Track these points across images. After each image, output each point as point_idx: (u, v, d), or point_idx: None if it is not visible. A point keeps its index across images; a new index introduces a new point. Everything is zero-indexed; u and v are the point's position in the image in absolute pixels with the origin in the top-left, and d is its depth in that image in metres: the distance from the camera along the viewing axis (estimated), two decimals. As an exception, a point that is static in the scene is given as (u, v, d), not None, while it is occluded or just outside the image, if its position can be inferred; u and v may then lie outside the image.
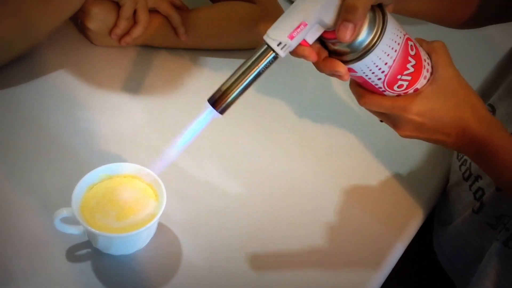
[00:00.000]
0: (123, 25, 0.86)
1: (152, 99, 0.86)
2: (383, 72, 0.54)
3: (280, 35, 0.50)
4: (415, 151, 0.86)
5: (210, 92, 0.85)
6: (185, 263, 0.65)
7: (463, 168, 0.76)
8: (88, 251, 0.64)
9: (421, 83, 0.57)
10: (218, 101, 0.52)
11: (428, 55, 0.58)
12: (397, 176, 0.82)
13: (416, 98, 0.57)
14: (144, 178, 0.65)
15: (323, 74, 0.96)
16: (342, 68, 0.53)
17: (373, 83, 0.56)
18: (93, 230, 0.59)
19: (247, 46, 0.94)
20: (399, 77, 0.55)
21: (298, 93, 0.94)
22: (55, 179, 0.70)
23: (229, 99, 0.52)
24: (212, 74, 0.92)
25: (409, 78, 0.56)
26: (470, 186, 0.75)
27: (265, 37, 0.51)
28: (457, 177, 0.78)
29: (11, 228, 0.65)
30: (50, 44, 0.87)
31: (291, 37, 0.49)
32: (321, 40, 0.53)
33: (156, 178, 0.64)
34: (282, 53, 0.51)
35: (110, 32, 0.87)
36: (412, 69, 0.55)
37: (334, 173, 0.81)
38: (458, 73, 0.59)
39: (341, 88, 0.96)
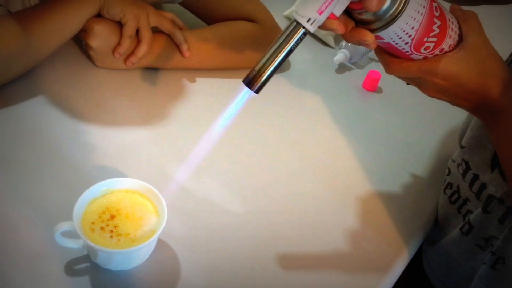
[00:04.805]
0: (126, 43, 0.86)
1: (154, 115, 0.87)
2: (410, 36, 0.55)
3: (309, 11, 0.50)
4: (419, 168, 0.88)
5: (210, 110, 0.87)
6: (183, 280, 0.65)
7: (448, 192, 0.77)
8: (87, 266, 0.64)
9: (446, 43, 0.58)
10: (253, 81, 0.53)
11: (459, 22, 0.59)
12: (400, 191, 0.83)
13: (443, 62, 0.58)
14: (145, 193, 0.65)
15: (324, 92, 0.99)
16: (369, 37, 0.53)
17: (400, 48, 0.57)
18: (93, 244, 0.59)
19: (249, 65, 0.95)
20: (425, 39, 0.56)
21: (298, 111, 0.95)
22: (57, 192, 0.70)
23: (263, 78, 0.53)
24: (212, 92, 0.93)
25: (435, 39, 0.56)
26: (459, 209, 0.75)
27: (293, 14, 0.51)
28: (443, 200, 0.79)
29: (11, 240, 0.64)
30: (55, 63, 0.88)
31: (320, 12, 0.50)
32: (347, 11, 0.53)
33: (157, 194, 0.64)
34: (312, 28, 0.52)
35: (113, 51, 0.86)
36: (437, 30, 0.56)
37: (335, 190, 0.81)
38: (488, 41, 0.59)
39: (341, 106, 0.97)
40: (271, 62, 0.53)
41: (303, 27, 0.51)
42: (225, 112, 0.56)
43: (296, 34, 0.52)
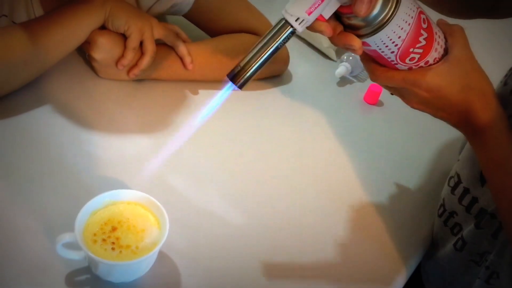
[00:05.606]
0: (130, 55, 0.86)
1: (156, 126, 0.87)
2: (396, 45, 0.55)
3: (299, 11, 0.51)
4: (419, 182, 0.88)
5: (212, 121, 0.87)
6: (184, 293, 0.65)
7: (437, 206, 0.77)
8: (87, 277, 0.64)
9: (431, 56, 0.58)
10: (237, 76, 0.54)
11: (445, 36, 0.59)
12: (400, 205, 0.83)
13: (427, 74, 0.58)
14: (148, 205, 0.65)
15: (325, 105, 0.99)
16: (356, 42, 0.54)
17: (385, 56, 0.57)
18: (94, 256, 0.59)
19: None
20: (411, 50, 0.56)
21: (299, 124, 0.96)
22: (59, 203, 0.71)
23: (248, 74, 0.54)
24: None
25: (420, 51, 0.57)
26: (445, 222, 0.75)
27: (283, 12, 0.52)
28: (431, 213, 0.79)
29: (13, 250, 0.64)
30: (59, 72, 0.88)
31: (309, 13, 0.51)
32: (336, 15, 0.54)
33: (159, 206, 0.64)
34: (300, 28, 0.52)
35: (117, 63, 0.87)
36: (424, 42, 0.56)
37: (336, 204, 0.81)
38: (472, 56, 0.60)
39: (342, 120, 0.98)
40: (257, 59, 0.53)
41: (291, 26, 0.52)
42: (208, 105, 0.56)
43: (284, 32, 0.52)
